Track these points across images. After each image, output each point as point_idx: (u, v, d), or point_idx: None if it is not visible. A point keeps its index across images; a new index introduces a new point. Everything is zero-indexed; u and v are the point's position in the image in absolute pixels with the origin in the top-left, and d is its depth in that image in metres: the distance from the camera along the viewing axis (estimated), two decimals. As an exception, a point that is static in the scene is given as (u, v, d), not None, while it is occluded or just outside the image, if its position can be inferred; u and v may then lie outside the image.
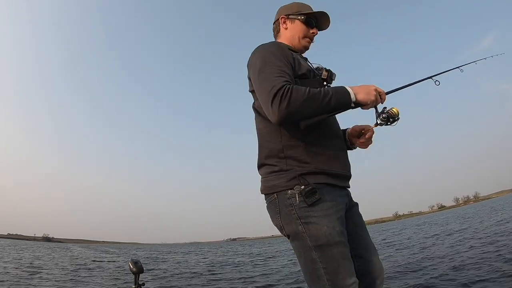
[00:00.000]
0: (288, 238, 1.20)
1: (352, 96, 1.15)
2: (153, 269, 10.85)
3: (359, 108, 1.20)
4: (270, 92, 1.08)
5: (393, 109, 1.21)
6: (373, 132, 1.31)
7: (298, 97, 1.07)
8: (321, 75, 1.34)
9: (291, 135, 1.20)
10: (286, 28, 1.45)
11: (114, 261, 14.65)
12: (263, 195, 1.26)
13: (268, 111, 1.11)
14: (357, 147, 1.40)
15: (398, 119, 1.21)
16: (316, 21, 1.44)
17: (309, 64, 1.39)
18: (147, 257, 19.16)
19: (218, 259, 15.64)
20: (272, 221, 1.23)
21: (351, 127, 1.42)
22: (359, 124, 1.38)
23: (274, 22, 1.50)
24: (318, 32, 1.46)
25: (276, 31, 1.49)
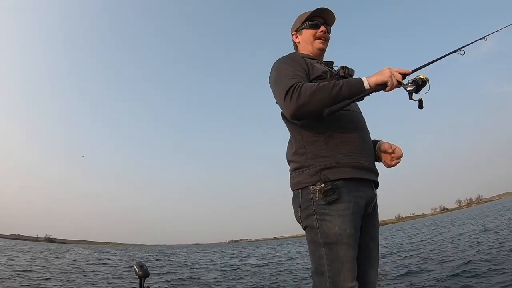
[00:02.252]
0: (304, 230, 1.26)
1: (366, 83, 1.17)
2: (159, 273, 10.77)
3: (383, 91, 1.21)
4: (282, 91, 1.19)
5: (420, 76, 1.20)
6: (402, 153, 1.31)
7: (307, 89, 1.15)
8: (338, 73, 1.39)
9: (311, 131, 1.26)
10: (299, 42, 1.56)
11: (116, 265, 14.59)
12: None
13: (283, 108, 1.24)
14: (382, 163, 1.39)
15: (426, 82, 1.18)
16: (321, 20, 1.50)
17: (330, 67, 1.47)
18: (150, 259, 19.14)
19: (231, 261, 15.41)
20: (295, 214, 1.29)
21: (384, 141, 1.40)
22: (391, 144, 1.36)
23: (293, 44, 1.62)
24: (327, 28, 1.50)
25: (295, 48, 1.61)
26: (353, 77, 1.40)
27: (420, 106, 1.21)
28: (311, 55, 1.49)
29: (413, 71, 1.25)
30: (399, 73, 1.20)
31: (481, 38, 1.53)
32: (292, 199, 1.30)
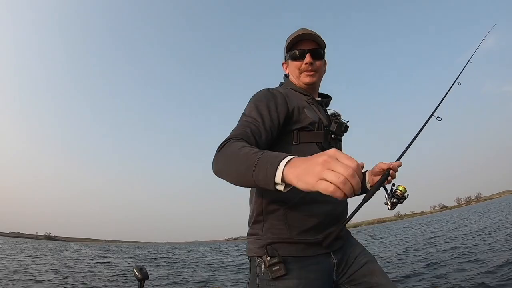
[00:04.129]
0: None
1: (278, 176, 0.69)
2: (160, 274, 10.73)
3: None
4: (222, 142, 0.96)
5: (399, 189, 1.15)
6: (398, 164, 1.18)
7: (223, 154, 0.88)
8: (329, 127, 1.21)
9: (272, 198, 1.09)
10: (288, 72, 1.36)
11: (116, 264, 14.57)
12: None
13: None
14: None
15: (406, 196, 1.15)
16: (306, 48, 1.25)
17: (320, 111, 1.24)
18: (150, 257, 19.11)
19: (237, 260, 15.37)
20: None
21: (370, 169, 1.25)
22: (382, 162, 1.18)
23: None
24: (312, 59, 1.24)
25: (286, 78, 1.39)
26: (346, 133, 1.27)
27: (392, 208, 1.15)
28: (303, 89, 1.28)
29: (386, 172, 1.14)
30: (356, 172, 0.62)
31: (455, 82, 1.57)
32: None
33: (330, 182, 0.60)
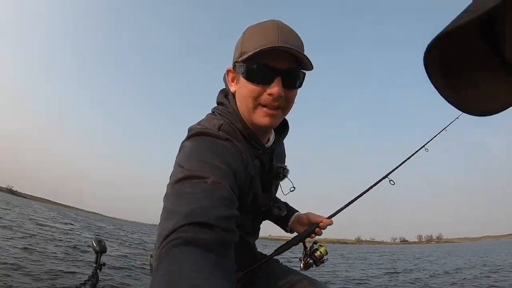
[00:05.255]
0: None
1: None
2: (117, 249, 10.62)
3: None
4: (162, 233, 0.58)
5: (320, 250, 1.08)
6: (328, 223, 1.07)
7: (162, 271, 0.53)
8: (280, 209, 1.03)
9: None
10: (234, 92, 0.85)
11: (76, 233, 14.26)
12: None
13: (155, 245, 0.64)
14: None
15: (324, 260, 1.09)
16: (278, 68, 0.75)
17: (265, 169, 0.92)
18: (112, 232, 18.72)
19: None
20: None
21: (301, 213, 1.15)
22: (314, 214, 1.10)
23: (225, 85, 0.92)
24: (283, 90, 0.76)
25: (225, 97, 0.90)
26: (281, 215, 1.06)
27: (305, 268, 1.10)
28: (248, 129, 0.83)
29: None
30: None
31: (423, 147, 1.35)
32: None
33: None
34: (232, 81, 0.85)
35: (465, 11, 0.28)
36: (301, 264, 1.09)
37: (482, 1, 0.26)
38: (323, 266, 1.11)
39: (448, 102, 0.34)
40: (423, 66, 0.32)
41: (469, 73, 0.34)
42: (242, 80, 0.78)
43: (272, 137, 0.94)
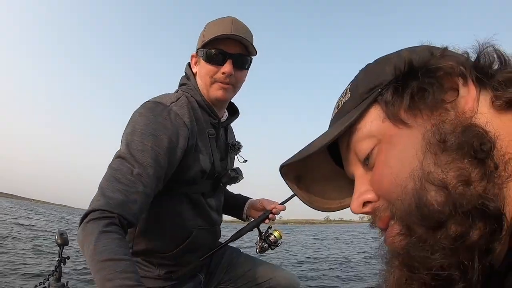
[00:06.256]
0: None
1: None
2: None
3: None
4: (92, 203, 0.77)
5: (274, 234, 1.18)
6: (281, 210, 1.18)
7: (90, 243, 0.71)
8: (220, 175, 1.08)
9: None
10: (195, 72, 1.05)
11: (40, 226, 13.67)
12: None
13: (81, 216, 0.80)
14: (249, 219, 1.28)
15: (279, 244, 1.19)
16: (228, 51, 0.96)
17: (219, 141, 1.09)
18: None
19: None
20: None
21: (253, 199, 1.28)
22: (267, 201, 1.21)
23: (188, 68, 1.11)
24: (235, 67, 0.97)
25: (188, 78, 1.07)
26: (235, 184, 1.16)
27: (261, 252, 1.19)
28: (209, 106, 1.03)
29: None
30: None
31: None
32: None
33: None
34: (195, 64, 1.05)
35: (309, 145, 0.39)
36: (257, 249, 1.19)
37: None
38: (285, 250, 1.21)
39: (300, 200, 0.47)
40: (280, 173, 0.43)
41: (317, 180, 0.46)
42: (202, 62, 1.00)
43: (225, 115, 1.13)
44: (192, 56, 1.07)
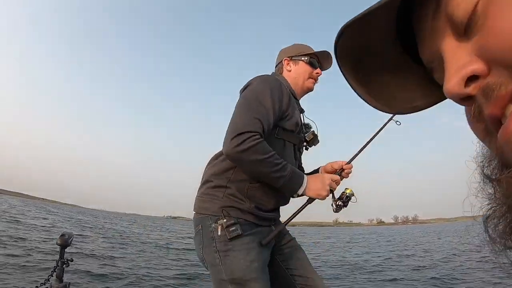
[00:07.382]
0: (207, 269, 1.23)
1: (301, 189, 1.22)
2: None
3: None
4: (237, 128, 1.12)
5: (347, 192, 1.33)
6: (351, 168, 1.39)
7: (259, 151, 1.11)
8: (305, 136, 1.41)
9: (241, 174, 1.24)
10: (289, 70, 1.44)
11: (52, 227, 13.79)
12: (193, 222, 1.29)
13: (225, 142, 1.14)
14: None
15: (351, 197, 1.34)
16: (318, 61, 1.44)
17: (301, 117, 1.42)
18: (90, 225, 18.20)
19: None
20: (197, 252, 1.26)
21: (324, 165, 1.45)
22: (335, 162, 1.41)
23: (277, 65, 1.49)
24: (322, 72, 1.45)
25: (279, 73, 1.47)
26: (313, 147, 1.46)
27: (337, 210, 1.34)
28: (295, 91, 1.41)
29: (350, 161, 1.38)
30: (334, 180, 1.30)
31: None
32: (194, 236, 1.28)
33: (326, 194, 1.26)
34: (288, 64, 1.44)
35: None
36: (334, 207, 1.33)
37: None
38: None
39: (359, 96, 0.34)
40: (333, 52, 0.31)
41: (381, 70, 0.33)
42: (302, 64, 1.41)
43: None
44: (285, 60, 1.45)
